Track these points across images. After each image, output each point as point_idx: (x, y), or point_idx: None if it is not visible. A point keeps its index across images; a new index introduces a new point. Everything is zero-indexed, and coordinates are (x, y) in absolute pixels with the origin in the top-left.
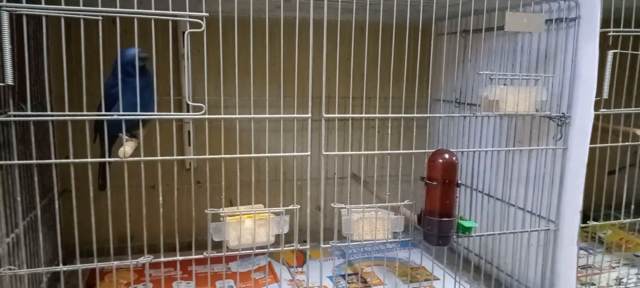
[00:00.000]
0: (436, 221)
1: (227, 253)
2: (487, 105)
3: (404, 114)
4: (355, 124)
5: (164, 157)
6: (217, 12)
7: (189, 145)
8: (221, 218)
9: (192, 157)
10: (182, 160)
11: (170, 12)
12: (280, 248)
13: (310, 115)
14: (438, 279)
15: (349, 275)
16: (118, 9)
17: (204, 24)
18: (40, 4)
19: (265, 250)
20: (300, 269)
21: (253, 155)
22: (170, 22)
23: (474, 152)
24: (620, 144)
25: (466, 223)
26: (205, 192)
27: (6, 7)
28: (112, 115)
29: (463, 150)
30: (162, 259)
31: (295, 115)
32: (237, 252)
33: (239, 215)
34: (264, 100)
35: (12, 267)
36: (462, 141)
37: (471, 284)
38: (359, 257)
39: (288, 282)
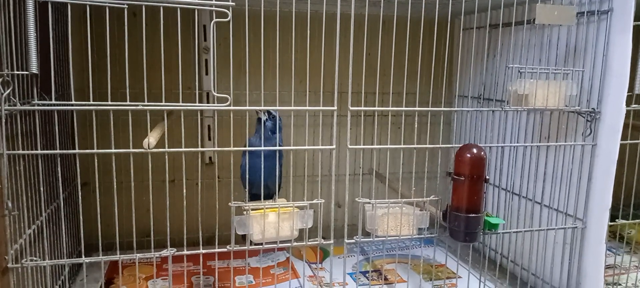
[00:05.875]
0: (463, 217)
1: (250, 247)
2: (515, 99)
3: (431, 108)
4: (377, 120)
5: (187, 148)
6: (238, 5)
7: (209, 139)
8: (244, 212)
9: (215, 148)
10: (202, 154)
11: (197, 0)
12: (303, 243)
13: (336, 108)
14: (461, 277)
15: (371, 271)
16: None
17: (230, 13)
18: None
19: (289, 244)
20: (320, 265)
21: (278, 148)
22: (192, 14)
23: (499, 147)
24: None
25: (493, 220)
26: (224, 186)
27: None
28: (137, 105)
29: (490, 146)
30: (185, 252)
31: (321, 108)
32: (261, 247)
33: (262, 208)
34: (284, 95)
35: (34, 258)
36: (488, 137)
37: (495, 283)
38: (380, 254)
39: (309, 278)
